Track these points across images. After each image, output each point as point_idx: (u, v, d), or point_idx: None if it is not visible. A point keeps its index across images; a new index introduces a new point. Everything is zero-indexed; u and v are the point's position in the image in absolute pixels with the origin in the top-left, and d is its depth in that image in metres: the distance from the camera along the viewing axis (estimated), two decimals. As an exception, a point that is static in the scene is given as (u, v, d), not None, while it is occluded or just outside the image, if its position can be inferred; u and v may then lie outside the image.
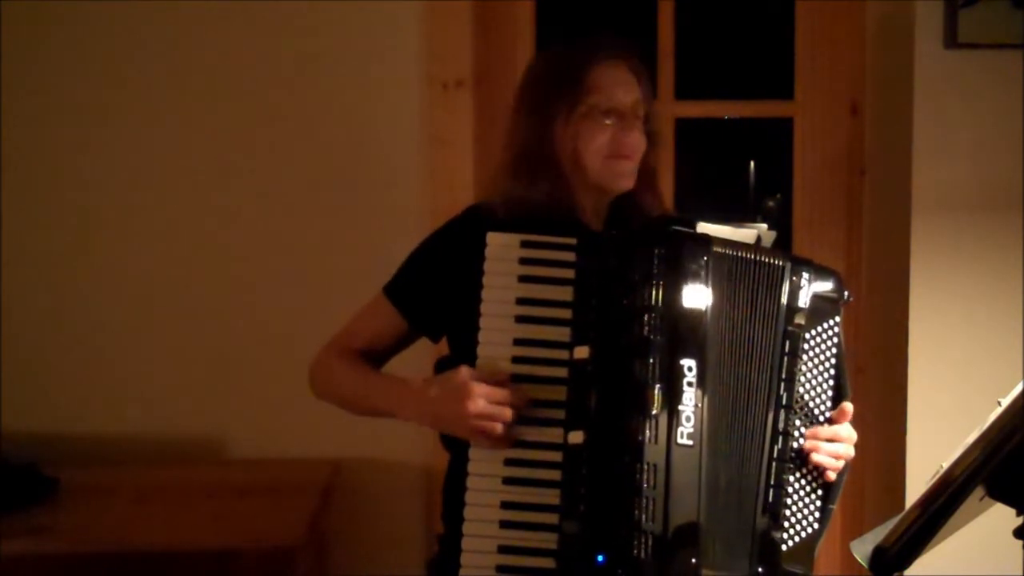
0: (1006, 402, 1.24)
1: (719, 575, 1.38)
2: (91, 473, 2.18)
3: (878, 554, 1.32)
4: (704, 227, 1.55)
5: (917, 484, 2.06)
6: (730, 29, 2.80)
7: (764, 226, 1.62)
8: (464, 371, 1.44)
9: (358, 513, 2.32)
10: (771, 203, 2.94)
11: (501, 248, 1.47)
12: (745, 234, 1.55)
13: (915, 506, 1.29)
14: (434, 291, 1.62)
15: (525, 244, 1.47)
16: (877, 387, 2.35)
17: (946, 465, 1.28)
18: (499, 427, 1.41)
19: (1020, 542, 1.27)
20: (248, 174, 2.30)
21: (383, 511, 2.33)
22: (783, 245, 1.61)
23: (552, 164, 1.59)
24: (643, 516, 1.34)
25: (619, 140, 1.58)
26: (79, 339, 2.31)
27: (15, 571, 1.76)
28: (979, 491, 1.28)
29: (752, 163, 3.07)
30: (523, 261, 1.47)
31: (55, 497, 2.05)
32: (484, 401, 1.41)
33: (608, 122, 1.58)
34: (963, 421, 1.38)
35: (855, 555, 1.35)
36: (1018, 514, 1.27)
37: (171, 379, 2.32)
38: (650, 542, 1.34)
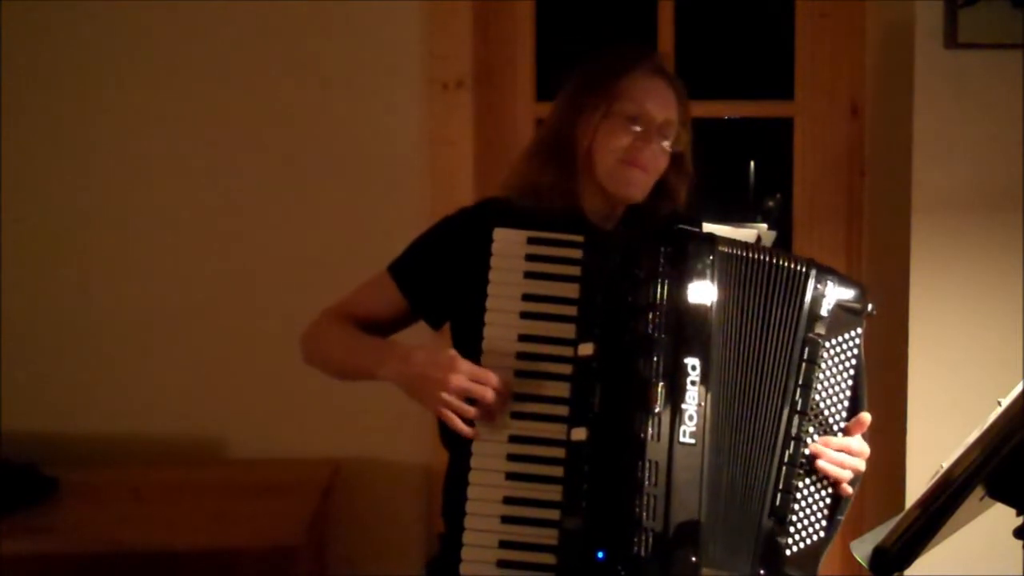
0: (1006, 402, 1.24)
1: (719, 574, 1.37)
2: (91, 473, 2.18)
3: (878, 554, 1.32)
4: (704, 227, 1.55)
5: (917, 484, 2.06)
6: (730, 29, 2.79)
7: (764, 226, 1.61)
8: (454, 351, 1.45)
9: (358, 513, 2.32)
10: (771, 203, 2.94)
11: (508, 244, 1.47)
12: (745, 234, 1.55)
13: (915, 506, 1.29)
14: (438, 277, 1.62)
15: (532, 241, 1.47)
16: (877, 387, 2.33)
17: (946, 465, 1.27)
18: (471, 411, 1.41)
19: (1020, 542, 1.27)
20: (248, 174, 2.30)
21: (383, 511, 2.33)
22: (783, 245, 1.61)
23: (566, 153, 1.59)
24: (644, 513, 1.34)
25: (637, 148, 1.57)
26: (79, 339, 2.31)
27: (15, 571, 1.76)
28: (979, 491, 1.27)
29: (752, 163, 3.06)
30: (529, 258, 1.47)
31: (55, 497, 2.05)
32: (467, 379, 1.41)
33: (632, 128, 1.57)
34: (963, 421, 1.38)
35: (855, 555, 1.35)
36: (1018, 514, 1.27)
37: (171, 379, 2.32)
38: (650, 539, 1.34)
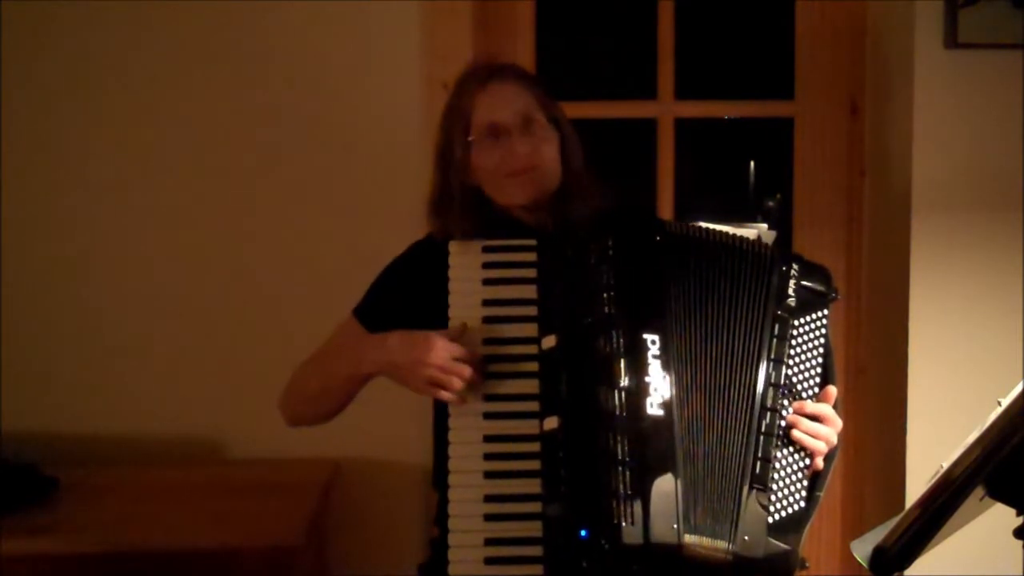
0: (1006, 402, 1.24)
1: (702, 540, 1.38)
2: (91, 473, 2.19)
3: (878, 554, 1.32)
4: (703, 227, 1.56)
5: (917, 484, 2.06)
6: (730, 29, 2.79)
7: (764, 226, 1.61)
8: (426, 331, 1.48)
9: (358, 513, 2.32)
10: (771, 203, 2.94)
11: (464, 255, 1.53)
12: (745, 234, 1.56)
13: (915, 506, 1.29)
14: (402, 309, 1.63)
15: (487, 249, 1.53)
16: (877, 387, 2.35)
17: (946, 465, 1.28)
18: (457, 382, 1.45)
19: (1020, 542, 1.27)
20: (248, 175, 2.30)
21: (383, 511, 2.34)
22: (783, 245, 1.61)
23: (467, 206, 1.61)
24: (620, 485, 1.36)
25: (506, 156, 1.60)
26: (79, 339, 2.31)
27: (15, 571, 1.76)
28: (979, 491, 1.28)
29: (752, 163, 3.06)
30: (486, 265, 1.53)
31: (55, 497, 2.05)
32: (446, 354, 1.45)
33: (493, 142, 1.60)
34: (963, 421, 1.38)
35: (855, 555, 1.36)
36: (1018, 514, 1.27)
37: (171, 379, 2.32)
38: (630, 510, 1.35)
